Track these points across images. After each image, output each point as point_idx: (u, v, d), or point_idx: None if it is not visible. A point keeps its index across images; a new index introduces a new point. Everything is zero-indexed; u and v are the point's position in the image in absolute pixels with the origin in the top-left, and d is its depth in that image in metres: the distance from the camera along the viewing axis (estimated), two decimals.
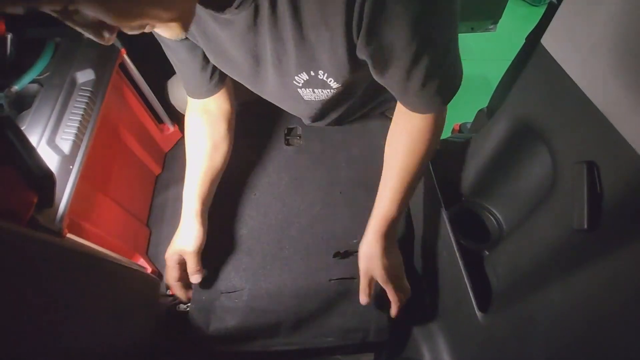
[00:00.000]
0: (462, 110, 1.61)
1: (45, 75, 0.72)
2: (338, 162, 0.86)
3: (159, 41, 0.66)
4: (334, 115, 0.84)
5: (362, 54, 0.52)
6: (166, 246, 0.87)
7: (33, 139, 0.64)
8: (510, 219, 0.69)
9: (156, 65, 0.85)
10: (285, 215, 0.80)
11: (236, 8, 0.48)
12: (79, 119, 0.68)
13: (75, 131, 0.66)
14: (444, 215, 0.67)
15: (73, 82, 0.72)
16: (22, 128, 0.65)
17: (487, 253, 0.69)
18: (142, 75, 0.92)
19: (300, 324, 0.70)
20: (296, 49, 0.54)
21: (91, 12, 0.34)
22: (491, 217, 0.71)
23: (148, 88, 0.95)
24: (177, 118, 1.03)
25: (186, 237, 0.71)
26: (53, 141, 0.64)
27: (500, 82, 1.18)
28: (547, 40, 0.51)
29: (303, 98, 0.67)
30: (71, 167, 0.63)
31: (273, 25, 0.51)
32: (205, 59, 0.68)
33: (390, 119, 0.69)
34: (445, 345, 0.73)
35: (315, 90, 0.64)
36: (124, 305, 0.61)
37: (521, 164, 0.64)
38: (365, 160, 0.86)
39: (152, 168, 1.00)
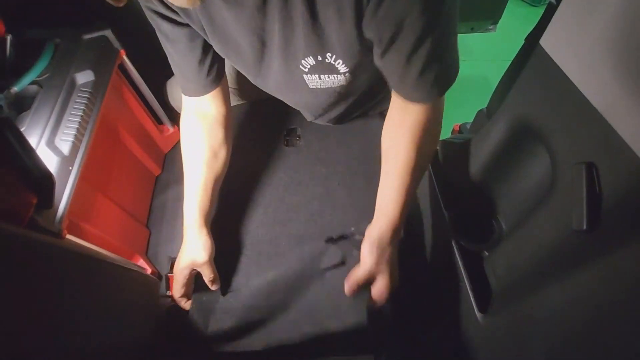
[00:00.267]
0: (461, 111, 1.61)
1: (44, 76, 0.72)
2: (337, 158, 0.86)
3: (157, 32, 0.64)
4: (335, 112, 0.83)
5: (368, 31, 0.52)
6: (166, 247, 0.87)
7: (32, 140, 0.64)
8: (510, 219, 0.69)
9: (156, 66, 0.85)
10: (284, 213, 0.80)
11: None
12: (79, 120, 0.68)
13: (75, 132, 0.66)
14: (444, 216, 0.67)
15: (72, 83, 0.72)
16: (22, 129, 0.65)
17: (486, 254, 0.69)
18: (142, 76, 0.92)
19: (299, 323, 0.70)
20: (305, 30, 0.53)
21: None
22: (490, 218, 0.71)
23: (147, 89, 0.95)
24: (177, 119, 1.03)
25: (196, 250, 0.68)
26: (52, 142, 0.64)
27: (499, 82, 1.18)
28: (545, 41, 0.51)
29: (308, 86, 0.66)
30: (70, 168, 0.63)
31: (283, 6, 0.51)
32: (204, 53, 0.65)
33: None
34: (444, 345, 0.73)
35: (321, 76, 0.63)
36: (124, 306, 0.61)
37: (521, 164, 0.64)
38: (365, 154, 0.85)
39: (151, 169, 1.00)
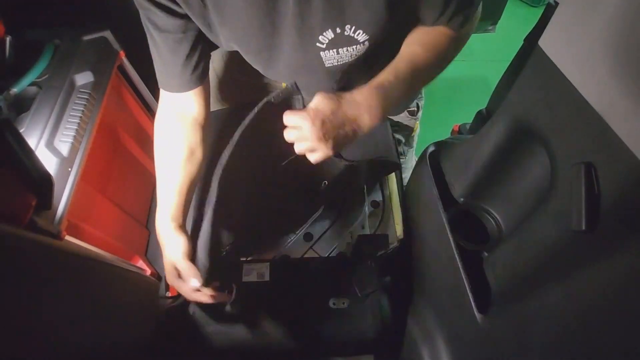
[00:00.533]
0: (461, 111, 1.61)
1: (44, 77, 0.72)
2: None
3: (145, 22, 0.62)
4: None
5: None
6: None
7: (32, 141, 0.64)
8: (509, 220, 0.69)
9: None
10: (281, 211, 0.78)
11: None
12: (78, 121, 0.68)
13: (74, 133, 0.66)
14: (443, 217, 0.67)
15: (72, 85, 0.72)
16: (21, 130, 0.65)
17: (486, 254, 0.69)
18: (141, 77, 0.92)
19: (300, 322, 0.70)
20: (323, 1, 0.53)
21: None
22: (490, 218, 0.71)
23: (147, 90, 0.95)
24: None
25: (172, 250, 0.66)
26: (52, 143, 0.64)
27: (499, 83, 1.18)
28: (544, 42, 0.51)
29: (324, 64, 0.64)
30: (70, 169, 0.63)
31: None
32: (193, 47, 0.63)
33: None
34: (444, 346, 0.73)
35: (340, 50, 0.61)
36: (123, 307, 0.61)
37: (520, 165, 0.64)
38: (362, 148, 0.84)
39: (151, 170, 1.00)
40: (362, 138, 0.73)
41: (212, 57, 0.76)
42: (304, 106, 0.63)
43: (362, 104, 0.62)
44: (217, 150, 0.84)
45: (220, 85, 0.97)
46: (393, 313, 0.74)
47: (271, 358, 0.77)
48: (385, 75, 0.63)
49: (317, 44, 0.60)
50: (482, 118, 1.25)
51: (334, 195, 0.76)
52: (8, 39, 0.72)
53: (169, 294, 0.75)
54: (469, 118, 1.38)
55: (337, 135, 0.61)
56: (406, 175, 1.12)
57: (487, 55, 2.29)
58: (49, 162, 0.62)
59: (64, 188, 0.62)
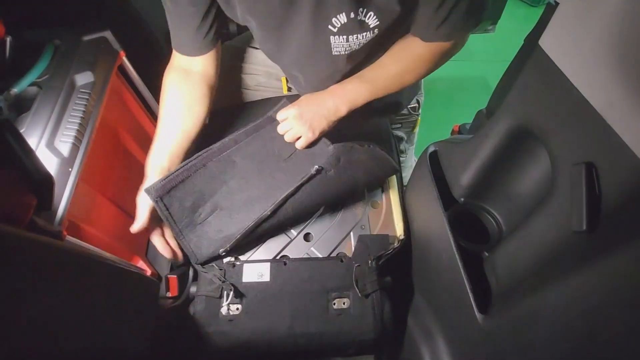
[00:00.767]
0: (461, 111, 1.62)
1: (44, 77, 0.73)
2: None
3: None
4: None
5: None
6: None
7: (32, 141, 0.64)
8: (510, 220, 0.69)
9: (155, 67, 0.85)
10: (283, 208, 0.78)
11: None
12: (78, 121, 0.68)
13: (74, 134, 0.66)
14: (443, 217, 0.67)
15: (72, 85, 0.72)
16: (21, 131, 0.65)
17: (486, 254, 0.69)
18: (141, 78, 0.92)
19: (300, 322, 0.70)
20: None
21: None
22: (490, 218, 0.71)
23: (147, 90, 0.95)
24: None
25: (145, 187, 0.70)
26: (52, 144, 0.64)
27: (499, 83, 1.18)
28: (544, 42, 0.51)
29: (332, 51, 0.66)
30: (70, 169, 0.63)
31: None
32: (207, 13, 0.66)
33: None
34: (444, 346, 0.73)
35: (349, 37, 0.63)
36: (124, 307, 0.61)
37: (520, 165, 0.64)
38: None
39: None
40: (363, 135, 0.75)
41: None
42: None
43: (337, 91, 0.76)
44: (221, 148, 0.84)
45: (221, 84, 0.97)
46: (393, 313, 0.74)
47: (271, 358, 0.77)
48: (363, 71, 0.75)
49: (329, 27, 0.61)
50: (482, 118, 1.25)
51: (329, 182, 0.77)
52: (8, 39, 0.72)
53: (169, 294, 0.75)
54: (469, 118, 1.38)
55: (314, 116, 0.75)
56: (406, 174, 1.12)
57: (487, 56, 2.29)
58: (50, 163, 0.62)
59: (65, 188, 0.62)
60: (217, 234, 0.72)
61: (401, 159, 1.14)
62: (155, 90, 0.98)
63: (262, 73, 0.97)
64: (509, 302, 0.58)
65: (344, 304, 0.72)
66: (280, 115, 0.79)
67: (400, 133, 1.09)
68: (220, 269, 0.72)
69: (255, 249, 0.78)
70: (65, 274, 0.46)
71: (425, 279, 0.82)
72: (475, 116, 1.31)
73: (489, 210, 0.71)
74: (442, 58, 0.73)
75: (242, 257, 0.76)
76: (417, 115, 1.06)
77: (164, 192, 0.70)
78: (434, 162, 0.75)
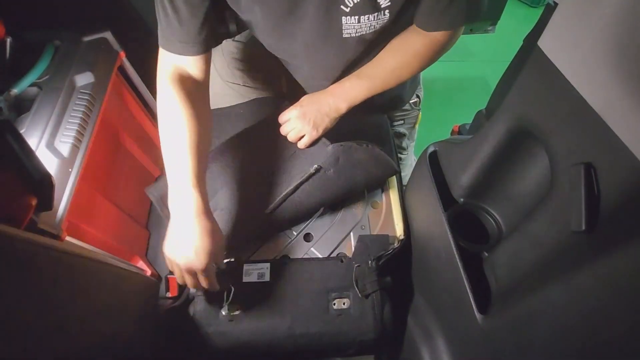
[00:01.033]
0: (461, 112, 1.62)
1: (44, 78, 0.73)
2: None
3: None
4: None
5: None
6: None
7: (32, 142, 0.64)
8: (509, 220, 0.69)
9: (155, 68, 0.85)
10: (287, 209, 0.77)
11: None
12: (78, 121, 0.68)
13: (74, 134, 0.66)
14: (443, 217, 0.67)
15: (72, 85, 0.73)
16: (21, 131, 0.65)
17: (486, 254, 0.69)
18: (142, 78, 0.92)
19: (300, 322, 0.70)
20: None
21: None
22: (490, 219, 0.71)
23: (147, 90, 0.95)
24: None
25: (213, 236, 0.61)
26: (52, 144, 0.65)
27: (498, 83, 1.18)
28: (543, 42, 0.51)
29: (342, 34, 0.67)
30: (70, 170, 0.64)
31: None
32: (208, 13, 0.63)
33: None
34: (444, 347, 0.73)
35: (361, 18, 0.64)
36: (123, 307, 0.61)
37: (519, 165, 0.64)
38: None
39: (151, 170, 1.00)
40: (363, 134, 0.76)
41: (212, 57, 0.77)
42: None
43: (336, 90, 0.77)
44: (220, 148, 0.84)
45: (220, 84, 0.97)
46: (393, 313, 0.74)
47: (271, 358, 0.77)
48: (360, 69, 0.77)
49: (342, 7, 0.62)
50: (481, 118, 1.25)
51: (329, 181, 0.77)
52: (8, 40, 0.72)
53: (169, 294, 0.75)
54: (468, 118, 1.38)
55: (317, 114, 0.77)
56: (406, 173, 1.12)
57: (486, 56, 2.29)
58: (50, 163, 0.62)
59: (65, 189, 0.62)
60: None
61: (402, 156, 1.14)
62: (156, 91, 0.98)
63: (262, 73, 0.97)
64: (509, 302, 0.58)
65: (344, 304, 0.72)
66: (282, 117, 0.81)
67: (402, 129, 1.09)
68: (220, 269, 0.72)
69: (255, 249, 0.78)
70: (65, 274, 0.46)
71: (425, 279, 0.82)
72: (474, 116, 1.31)
73: (488, 211, 0.71)
74: (438, 52, 0.74)
75: (242, 257, 0.76)
76: (418, 110, 1.07)
77: (165, 192, 0.70)
78: (433, 162, 0.75)
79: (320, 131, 0.79)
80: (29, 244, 0.41)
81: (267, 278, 0.73)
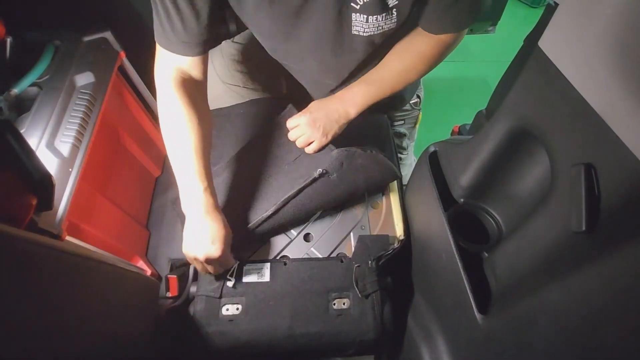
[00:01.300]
0: (461, 112, 1.62)
1: (44, 78, 0.73)
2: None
3: None
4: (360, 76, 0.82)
5: None
6: (166, 248, 0.86)
7: (32, 141, 0.64)
8: (509, 220, 0.69)
9: None
10: (288, 211, 0.77)
11: None
12: (78, 121, 0.68)
13: (75, 134, 0.66)
14: (443, 217, 0.67)
15: (72, 85, 0.72)
16: (22, 131, 0.65)
17: (486, 254, 0.69)
18: (142, 78, 0.92)
19: (301, 322, 0.70)
20: None
21: None
22: (490, 219, 0.71)
23: (147, 91, 0.95)
24: None
25: (225, 226, 0.68)
26: (52, 144, 0.65)
27: (498, 83, 1.18)
28: (544, 43, 0.51)
29: (351, 30, 0.66)
30: (70, 169, 0.64)
31: None
32: (212, 13, 0.63)
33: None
34: (444, 347, 0.73)
35: (369, 18, 0.64)
36: (124, 307, 0.61)
37: (520, 165, 0.64)
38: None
39: (151, 170, 1.00)
40: (363, 135, 0.75)
41: (212, 57, 0.77)
42: None
43: (345, 96, 0.78)
44: (221, 149, 0.84)
45: (221, 84, 0.97)
46: (393, 313, 0.74)
47: (271, 358, 0.77)
48: (367, 74, 0.78)
49: (352, 4, 0.62)
50: (482, 119, 1.25)
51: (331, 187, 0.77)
52: (8, 39, 0.72)
53: (169, 294, 0.75)
54: (469, 119, 1.39)
55: (326, 121, 0.78)
56: (406, 173, 1.13)
57: (487, 56, 2.29)
58: (50, 163, 0.62)
59: (65, 188, 0.62)
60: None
61: (402, 156, 1.14)
62: (156, 91, 0.98)
63: (262, 73, 0.97)
64: (509, 302, 0.58)
65: (344, 304, 0.72)
66: (291, 123, 0.81)
67: (402, 129, 1.09)
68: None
69: (255, 249, 0.78)
70: (65, 274, 0.46)
71: (425, 280, 0.82)
72: (475, 117, 1.31)
73: (488, 211, 0.71)
74: (443, 53, 0.75)
75: (242, 257, 0.76)
76: (419, 110, 1.07)
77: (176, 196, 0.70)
78: (433, 162, 0.75)
79: (330, 137, 0.79)
80: (29, 244, 0.41)
81: (267, 278, 0.73)
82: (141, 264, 0.85)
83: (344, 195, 0.79)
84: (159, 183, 1.02)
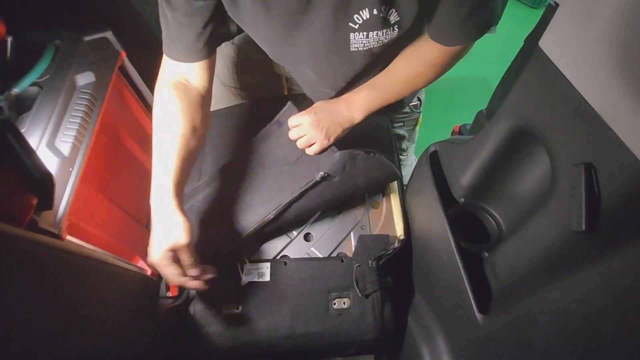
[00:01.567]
0: (462, 112, 1.62)
1: (45, 78, 0.73)
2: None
3: None
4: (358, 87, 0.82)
5: None
6: None
7: (33, 141, 0.64)
8: (510, 220, 0.69)
9: (156, 68, 0.85)
10: (286, 211, 0.78)
11: None
12: (79, 121, 0.68)
13: (75, 133, 0.66)
14: (443, 217, 0.67)
15: (73, 85, 0.73)
16: (22, 131, 0.65)
17: (486, 254, 0.69)
18: (142, 78, 0.92)
19: (301, 322, 0.70)
20: None
21: None
22: (490, 219, 0.71)
23: (148, 90, 0.95)
24: None
25: (175, 231, 0.61)
26: (53, 143, 0.65)
27: (499, 84, 1.18)
28: (544, 43, 0.51)
29: (350, 47, 0.65)
30: (71, 169, 0.64)
31: None
32: (213, 16, 0.62)
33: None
34: (445, 347, 0.73)
35: (370, 34, 0.63)
36: (124, 307, 0.61)
37: (520, 165, 0.64)
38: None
39: (151, 170, 1.00)
40: (364, 135, 0.75)
41: None
42: None
43: (351, 99, 0.77)
44: (222, 150, 0.84)
45: (221, 84, 0.97)
46: (393, 313, 0.74)
47: (271, 358, 0.77)
48: (375, 78, 0.76)
49: (350, 24, 0.61)
50: (482, 119, 1.25)
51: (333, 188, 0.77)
52: (9, 39, 0.72)
53: (169, 294, 0.75)
54: (469, 119, 1.38)
55: (330, 124, 0.76)
56: (406, 173, 1.12)
57: (487, 56, 2.29)
58: (50, 162, 0.63)
59: (65, 188, 0.62)
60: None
61: (402, 157, 1.14)
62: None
63: (262, 73, 0.97)
64: (509, 302, 0.58)
65: (344, 304, 0.72)
66: (293, 121, 0.78)
67: (401, 131, 1.09)
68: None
69: (255, 249, 0.78)
70: (65, 273, 0.46)
71: (425, 279, 0.82)
72: (475, 117, 1.31)
73: (489, 211, 0.71)
74: (454, 60, 0.73)
75: (242, 257, 0.76)
76: (419, 113, 1.07)
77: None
78: (434, 162, 0.75)
79: (332, 140, 0.77)
80: (29, 243, 0.41)
81: (267, 278, 0.73)
82: (141, 263, 0.85)
83: (345, 196, 0.79)
84: None
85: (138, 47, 0.87)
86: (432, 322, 0.77)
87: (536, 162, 0.61)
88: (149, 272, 0.85)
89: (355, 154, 0.76)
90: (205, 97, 0.71)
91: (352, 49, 0.66)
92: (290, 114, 0.80)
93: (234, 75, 0.96)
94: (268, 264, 0.74)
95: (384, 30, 0.63)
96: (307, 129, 0.76)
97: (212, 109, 0.86)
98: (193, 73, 0.68)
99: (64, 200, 0.60)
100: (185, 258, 0.62)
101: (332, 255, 0.78)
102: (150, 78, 0.94)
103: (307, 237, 0.80)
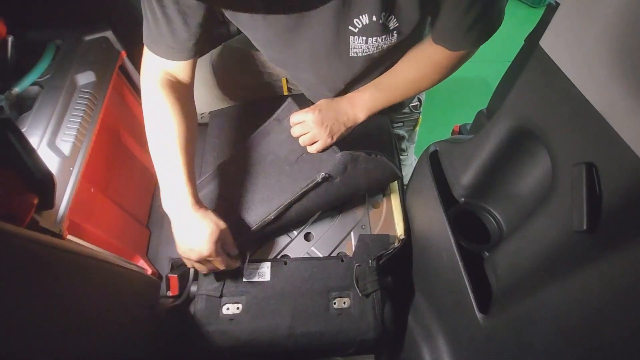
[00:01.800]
0: (462, 112, 1.62)
1: (45, 77, 0.73)
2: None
3: None
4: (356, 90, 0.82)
5: None
6: (166, 247, 0.86)
7: (33, 140, 0.64)
8: (510, 220, 0.69)
9: None
10: (285, 211, 0.78)
11: None
12: (80, 120, 0.68)
13: (76, 133, 0.66)
14: (444, 217, 0.67)
15: (73, 84, 0.73)
16: (23, 130, 0.65)
17: (487, 254, 0.69)
18: None
19: (301, 322, 0.70)
20: None
21: None
22: (491, 218, 0.71)
23: None
24: None
25: (213, 223, 0.64)
26: (53, 143, 0.65)
27: (499, 83, 1.18)
28: (545, 42, 0.51)
29: (349, 52, 0.66)
30: (71, 168, 0.64)
31: None
32: (208, 16, 0.62)
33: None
34: (445, 346, 0.73)
35: (369, 39, 0.63)
36: (124, 306, 0.61)
37: (521, 165, 0.64)
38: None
39: (152, 169, 1.00)
40: (364, 135, 0.75)
41: (211, 59, 0.76)
42: None
43: (355, 99, 0.76)
44: (222, 149, 0.84)
45: (221, 84, 0.97)
46: (394, 313, 0.74)
47: (271, 357, 0.77)
48: (379, 78, 0.76)
49: (350, 27, 0.61)
50: (482, 118, 1.25)
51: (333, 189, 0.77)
52: (10, 39, 0.72)
53: (169, 293, 0.75)
54: (469, 118, 1.38)
55: (334, 122, 0.75)
56: (406, 172, 1.12)
57: (487, 56, 2.28)
58: (51, 162, 0.63)
59: (66, 187, 0.62)
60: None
61: (402, 157, 1.14)
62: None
63: (262, 73, 0.97)
64: (510, 302, 0.58)
65: (344, 303, 0.72)
66: (296, 118, 0.78)
67: (401, 132, 1.09)
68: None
69: (255, 249, 0.78)
70: (66, 272, 0.46)
71: (425, 279, 0.82)
72: (475, 116, 1.31)
73: (489, 210, 0.71)
74: (458, 63, 0.73)
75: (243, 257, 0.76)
76: (419, 113, 1.07)
77: None
78: (434, 162, 0.75)
79: (335, 139, 0.77)
80: (30, 243, 0.41)
81: (267, 277, 0.73)
82: (142, 263, 0.85)
83: (346, 197, 0.79)
84: None
85: (138, 47, 0.87)
86: (433, 321, 0.77)
87: (537, 162, 0.61)
88: (149, 271, 0.85)
89: (357, 155, 0.76)
90: (191, 89, 0.71)
91: (352, 54, 0.66)
92: (290, 111, 0.80)
93: (234, 75, 0.96)
94: (268, 264, 0.74)
95: (383, 37, 0.63)
96: (310, 127, 0.76)
97: (212, 109, 0.86)
98: (181, 70, 0.68)
99: (64, 199, 0.60)
100: (230, 241, 0.67)
101: (332, 255, 0.78)
102: None
103: (307, 237, 0.80)
